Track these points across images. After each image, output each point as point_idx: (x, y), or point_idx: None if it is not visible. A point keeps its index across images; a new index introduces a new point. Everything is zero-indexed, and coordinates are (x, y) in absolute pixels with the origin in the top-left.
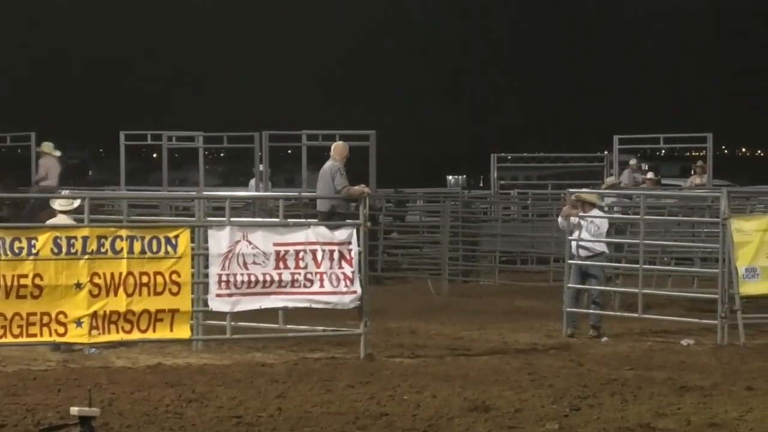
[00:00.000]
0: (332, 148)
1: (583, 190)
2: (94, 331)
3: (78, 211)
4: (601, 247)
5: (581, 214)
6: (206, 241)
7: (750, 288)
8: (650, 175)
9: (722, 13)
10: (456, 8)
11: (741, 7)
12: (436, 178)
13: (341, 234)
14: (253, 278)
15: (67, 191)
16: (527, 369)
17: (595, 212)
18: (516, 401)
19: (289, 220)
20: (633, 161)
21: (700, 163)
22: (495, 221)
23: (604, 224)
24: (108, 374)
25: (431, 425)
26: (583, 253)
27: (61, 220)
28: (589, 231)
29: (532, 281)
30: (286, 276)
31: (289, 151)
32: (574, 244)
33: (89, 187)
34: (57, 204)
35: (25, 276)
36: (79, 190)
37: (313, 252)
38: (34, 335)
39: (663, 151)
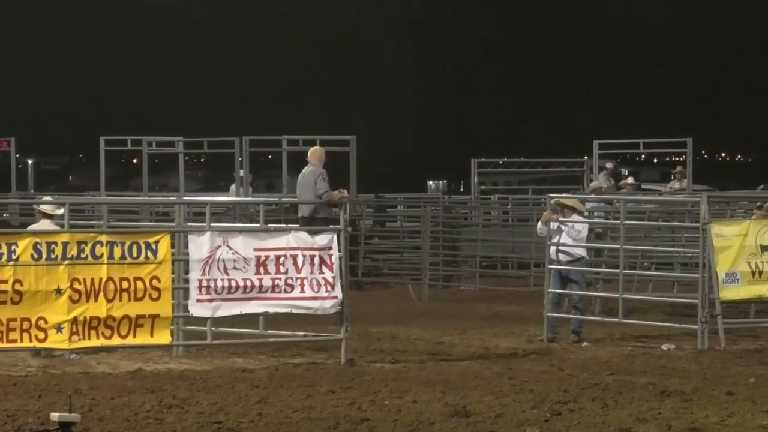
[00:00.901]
0: (309, 153)
1: (564, 195)
2: (74, 337)
3: (59, 216)
4: (582, 252)
5: (562, 219)
6: (186, 246)
7: (730, 293)
8: (630, 179)
9: (701, 20)
10: (437, 14)
11: (721, 14)
12: (417, 183)
13: (322, 239)
14: (233, 283)
15: (48, 197)
16: (508, 374)
17: (576, 217)
18: (497, 406)
19: (269, 225)
20: (609, 164)
21: (679, 168)
22: (475, 226)
23: (585, 229)
24: (88, 380)
25: (412, 430)
26: (563, 258)
27: (43, 225)
28: (570, 236)
29: (513, 286)
30: (267, 281)
31: (270, 157)
32: (553, 249)
33: (69, 193)
34: (43, 206)
35: (5, 282)
36: (60, 196)
37: (294, 257)
38: (14, 341)
39: (643, 156)
